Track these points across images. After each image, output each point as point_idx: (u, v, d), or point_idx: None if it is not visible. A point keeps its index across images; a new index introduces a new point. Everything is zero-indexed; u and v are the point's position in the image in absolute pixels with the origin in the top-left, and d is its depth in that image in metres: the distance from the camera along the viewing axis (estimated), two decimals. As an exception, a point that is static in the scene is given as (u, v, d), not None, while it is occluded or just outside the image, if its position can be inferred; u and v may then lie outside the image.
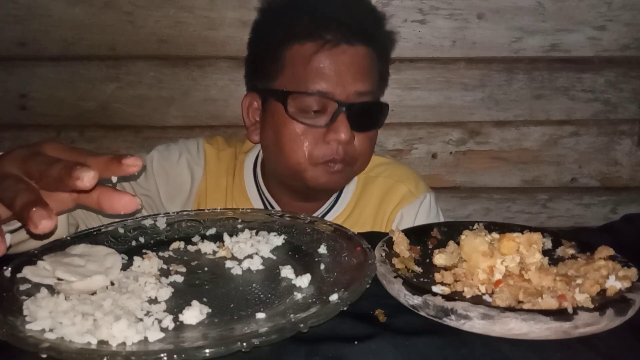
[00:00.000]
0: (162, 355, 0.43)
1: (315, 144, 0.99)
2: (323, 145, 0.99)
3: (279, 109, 1.00)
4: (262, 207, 1.12)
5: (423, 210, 1.14)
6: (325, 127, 0.98)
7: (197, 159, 1.15)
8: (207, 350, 0.44)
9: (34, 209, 0.52)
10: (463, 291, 0.56)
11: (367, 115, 1.02)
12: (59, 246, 0.65)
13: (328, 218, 1.10)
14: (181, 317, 0.52)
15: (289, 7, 1.06)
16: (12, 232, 0.64)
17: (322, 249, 0.68)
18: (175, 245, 0.71)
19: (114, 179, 0.59)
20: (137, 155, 0.59)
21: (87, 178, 0.53)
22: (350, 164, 1.02)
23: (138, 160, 0.58)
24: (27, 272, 0.57)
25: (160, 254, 0.68)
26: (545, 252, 0.62)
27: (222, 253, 0.69)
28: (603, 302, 0.52)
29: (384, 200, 1.15)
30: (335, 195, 1.14)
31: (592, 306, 0.51)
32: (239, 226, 0.76)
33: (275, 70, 1.03)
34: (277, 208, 1.11)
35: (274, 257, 0.68)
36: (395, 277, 0.58)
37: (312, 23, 1.00)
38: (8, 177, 0.58)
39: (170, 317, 0.51)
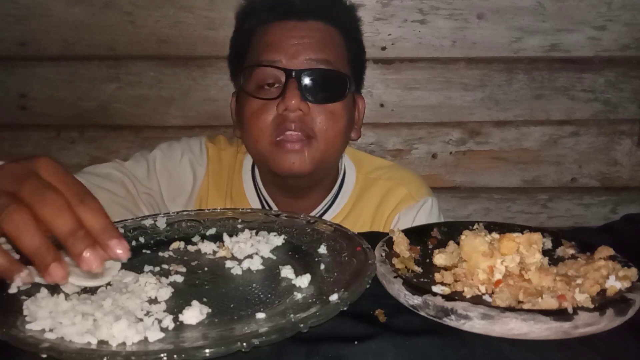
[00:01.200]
0: (162, 355, 0.43)
1: (271, 119, 0.98)
2: (277, 118, 0.97)
3: (242, 94, 1.03)
4: (259, 206, 1.12)
5: (422, 215, 1.12)
6: (278, 99, 0.97)
7: (200, 159, 1.15)
8: (207, 350, 0.44)
9: (53, 265, 0.50)
10: (463, 291, 0.56)
11: (321, 84, 0.99)
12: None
13: (325, 218, 1.10)
14: (181, 317, 0.52)
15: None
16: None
17: (322, 249, 0.68)
18: (175, 245, 0.71)
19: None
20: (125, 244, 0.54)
21: (125, 255, 0.53)
22: (309, 139, 0.98)
23: (125, 252, 0.53)
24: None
25: (160, 254, 0.68)
26: (545, 252, 0.62)
27: (222, 253, 0.69)
28: (603, 302, 0.52)
29: (382, 202, 1.13)
30: (332, 195, 1.13)
31: (592, 306, 0.51)
32: (239, 226, 0.76)
33: (243, 59, 1.07)
34: (275, 208, 1.11)
35: (274, 257, 0.68)
36: (395, 277, 0.58)
37: (266, 6, 1.04)
38: (0, 197, 0.53)
39: (170, 317, 0.51)
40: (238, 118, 1.09)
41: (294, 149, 0.97)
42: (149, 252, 0.70)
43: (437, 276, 0.60)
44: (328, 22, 1.04)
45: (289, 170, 0.98)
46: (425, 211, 1.13)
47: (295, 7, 1.02)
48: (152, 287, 0.57)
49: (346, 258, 0.64)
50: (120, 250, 0.53)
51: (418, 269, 0.63)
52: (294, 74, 0.96)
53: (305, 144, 0.97)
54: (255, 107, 0.99)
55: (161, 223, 0.76)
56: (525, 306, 0.52)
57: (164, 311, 0.53)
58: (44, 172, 0.56)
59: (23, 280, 0.54)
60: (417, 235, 0.72)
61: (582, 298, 0.52)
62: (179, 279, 0.61)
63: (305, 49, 0.99)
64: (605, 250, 0.62)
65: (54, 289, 0.55)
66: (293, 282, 0.60)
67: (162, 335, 0.48)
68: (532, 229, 0.62)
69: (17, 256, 0.57)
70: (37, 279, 0.56)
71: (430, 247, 0.70)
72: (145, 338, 0.48)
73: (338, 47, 1.04)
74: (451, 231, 0.73)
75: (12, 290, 0.55)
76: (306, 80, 0.97)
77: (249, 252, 0.68)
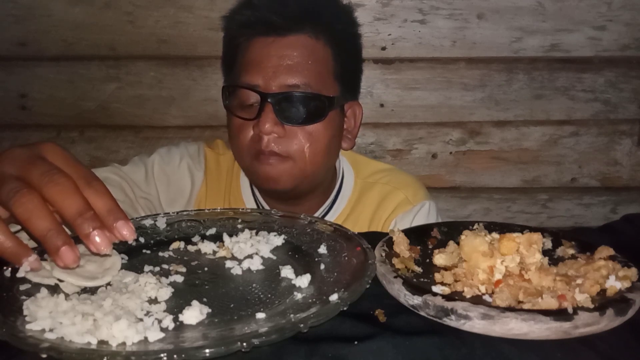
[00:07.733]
0: (162, 355, 0.43)
1: (250, 136, 0.99)
2: (255, 136, 0.98)
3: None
4: None
5: (419, 219, 1.11)
6: (255, 120, 0.97)
7: (198, 164, 1.15)
8: (207, 350, 0.44)
9: (64, 248, 0.51)
10: (463, 291, 0.56)
11: (298, 107, 0.98)
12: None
13: None
14: (181, 317, 0.52)
15: (238, 5, 1.07)
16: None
17: (322, 249, 0.68)
18: (175, 245, 0.71)
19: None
20: (132, 225, 0.55)
21: (131, 236, 0.54)
22: (286, 159, 0.98)
23: (132, 233, 0.55)
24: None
25: (160, 254, 0.68)
26: (545, 252, 0.62)
27: (222, 253, 0.69)
28: (603, 302, 0.52)
29: (380, 207, 1.13)
30: (330, 201, 1.13)
31: (592, 306, 0.51)
32: (239, 226, 0.76)
33: (230, 68, 1.06)
34: None
35: (274, 257, 0.68)
36: (395, 277, 0.58)
37: (244, 18, 1.02)
38: (9, 181, 0.54)
39: (170, 317, 0.51)
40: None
41: (269, 163, 0.97)
42: (149, 252, 0.69)
43: (437, 276, 0.60)
44: (313, 35, 1.00)
45: (267, 184, 1.00)
46: (423, 215, 1.12)
47: (274, 23, 0.99)
48: (152, 287, 0.57)
49: (346, 258, 0.64)
50: (127, 232, 0.54)
51: (418, 269, 0.63)
52: (269, 98, 0.95)
53: (281, 161, 0.98)
54: (236, 124, 1.01)
55: (161, 223, 0.75)
56: (525, 306, 0.52)
57: (164, 311, 0.53)
58: (50, 156, 0.57)
59: (31, 265, 0.55)
60: (417, 235, 0.72)
61: (582, 298, 0.52)
62: (179, 279, 0.61)
63: (283, 71, 0.97)
64: (605, 250, 0.62)
65: (54, 289, 0.55)
66: (293, 282, 0.60)
67: (162, 335, 0.48)
68: (532, 229, 0.62)
69: (33, 245, 0.57)
70: (37, 279, 0.57)
71: (430, 247, 0.70)
72: (145, 338, 0.48)
73: (322, 63, 1.01)
74: (451, 231, 0.72)
75: (20, 274, 0.56)
76: (282, 104, 0.96)
77: (249, 252, 0.68)
